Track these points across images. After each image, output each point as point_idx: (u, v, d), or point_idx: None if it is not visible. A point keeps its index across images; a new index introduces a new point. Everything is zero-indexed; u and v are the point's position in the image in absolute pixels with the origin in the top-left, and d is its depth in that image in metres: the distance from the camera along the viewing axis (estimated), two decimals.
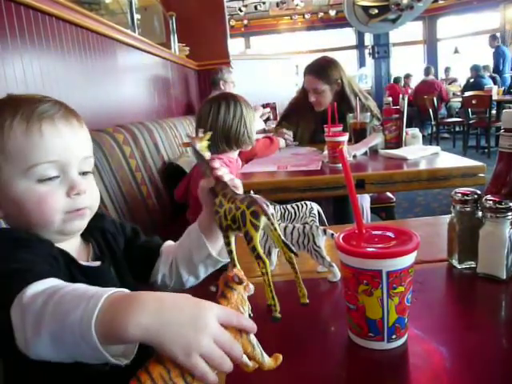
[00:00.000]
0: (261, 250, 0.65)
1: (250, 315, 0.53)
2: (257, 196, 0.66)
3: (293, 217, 0.96)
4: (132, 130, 2.11)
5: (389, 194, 2.73)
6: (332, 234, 0.79)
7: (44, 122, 0.65)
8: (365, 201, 2.53)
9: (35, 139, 0.64)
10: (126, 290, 0.50)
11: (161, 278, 0.83)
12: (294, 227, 0.83)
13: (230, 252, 0.71)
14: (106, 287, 0.70)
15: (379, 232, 0.62)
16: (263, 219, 0.63)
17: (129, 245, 0.83)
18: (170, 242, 0.88)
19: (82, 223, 0.70)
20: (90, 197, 0.70)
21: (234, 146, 1.74)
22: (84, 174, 0.70)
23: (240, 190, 0.74)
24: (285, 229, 0.83)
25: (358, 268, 0.57)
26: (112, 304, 0.46)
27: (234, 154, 1.80)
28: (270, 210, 0.65)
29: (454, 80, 9.95)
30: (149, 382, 0.44)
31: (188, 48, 4.21)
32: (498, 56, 8.74)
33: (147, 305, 0.45)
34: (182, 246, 0.83)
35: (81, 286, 0.51)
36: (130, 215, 1.73)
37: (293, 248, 0.65)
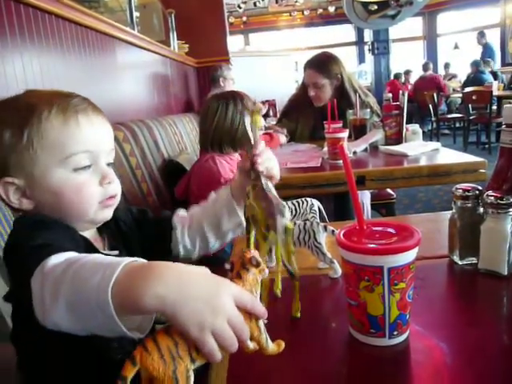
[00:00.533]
0: (264, 260, 0.64)
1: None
2: (279, 203, 0.65)
3: (293, 213, 0.96)
4: (132, 127, 2.10)
5: (389, 191, 2.73)
6: (333, 231, 0.79)
7: (80, 114, 0.67)
8: (365, 197, 2.52)
9: (72, 130, 0.66)
10: (144, 260, 0.49)
11: (182, 249, 0.84)
12: (294, 224, 0.82)
13: (248, 239, 0.70)
14: None
15: (380, 228, 0.62)
16: (272, 234, 0.63)
17: (139, 226, 0.84)
18: (182, 212, 0.88)
19: (110, 212, 0.73)
20: (117, 186, 0.73)
21: (238, 148, 1.73)
22: (109, 165, 0.73)
23: (274, 181, 0.73)
24: None
25: (359, 264, 0.57)
26: (129, 273, 0.46)
27: (233, 161, 1.79)
28: (287, 221, 0.64)
29: (454, 76, 9.93)
30: (155, 353, 0.43)
31: (187, 45, 4.20)
32: (486, 53, 8.76)
33: (166, 276, 0.45)
34: (209, 212, 0.83)
35: (100, 256, 0.52)
36: None
37: (292, 273, 0.65)
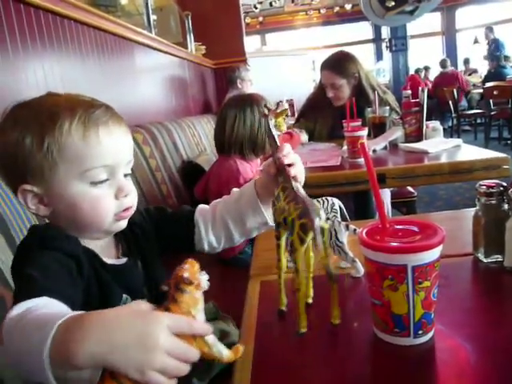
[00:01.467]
0: (301, 266, 0.63)
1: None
2: (313, 204, 0.62)
3: None
4: (151, 129, 2.12)
5: (409, 189, 2.70)
6: (354, 230, 0.78)
7: (101, 128, 0.66)
8: (385, 196, 2.50)
9: (92, 145, 0.65)
10: (79, 312, 0.49)
11: (207, 245, 0.84)
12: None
13: (277, 246, 0.69)
14: (131, 283, 0.71)
15: (403, 226, 0.61)
16: (311, 235, 0.61)
17: (158, 225, 0.83)
18: (204, 207, 0.86)
19: (124, 223, 0.73)
20: (134, 198, 0.73)
21: (259, 153, 1.73)
22: (126, 176, 0.72)
23: (299, 181, 0.72)
24: None
25: (382, 263, 0.57)
26: (63, 332, 0.46)
27: (258, 160, 1.78)
28: (323, 222, 0.61)
29: (474, 71, 9.77)
30: None
31: (204, 47, 4.23)
32: (495, 49, 8.59)
33: (91, 331, 0.45)
34: (233, 210, 0.81)
35: (46, 312, 0.51)
36: None
37: (333, 277, 0.62)
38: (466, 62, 10.08)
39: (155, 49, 2.83)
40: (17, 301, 0.55)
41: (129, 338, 0.45)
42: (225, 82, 4.21)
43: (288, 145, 0.73)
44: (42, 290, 0.55)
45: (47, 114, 0.65)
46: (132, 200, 0.72)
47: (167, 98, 3.08)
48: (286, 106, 3.97)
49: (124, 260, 0.75)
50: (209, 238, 0.83)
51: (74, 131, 0.65)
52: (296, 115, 3.24)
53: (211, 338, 0.49)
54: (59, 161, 0.65)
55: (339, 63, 2.46)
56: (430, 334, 0.60)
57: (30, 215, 0.99)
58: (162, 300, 0.78)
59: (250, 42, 7.62)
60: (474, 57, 10.11)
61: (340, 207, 0.97)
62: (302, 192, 0.67)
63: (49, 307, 0.53)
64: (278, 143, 0.73)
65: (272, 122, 0.73)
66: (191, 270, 0.48)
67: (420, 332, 0.58)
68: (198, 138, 2.75)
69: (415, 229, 0.60)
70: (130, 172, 0.73)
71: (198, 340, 0.48)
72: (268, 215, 0.79)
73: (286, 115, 0.77)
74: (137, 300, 0.51)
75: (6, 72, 1.36)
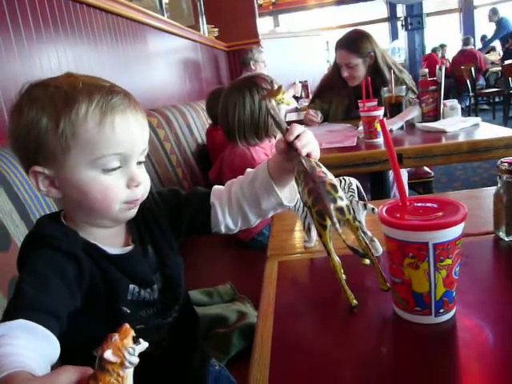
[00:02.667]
0: (331, 248, 0.63)
1: None
2: (325, 187, 0.61)
3: None
4: (165, 113, 2.12)
5: (426, 169, 2.66)
6: (373, 209, 0.77)
7: (117, 115, 0.65)
8: (402, 176, 2.47)
9: (107, 133, 0.64)
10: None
11: (224, 228, 0.82)
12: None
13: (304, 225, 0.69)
14: (138, 271, 0.72)
15: (423, 204, 0.60)
16: (329, 221, 0.60)
17: (173, 208, 0.81)
18: (219, 188, 0.84)
19: (134, 211, 0.72)
20: (145, 187, 0.72)
21: (264, 137, 1.71)
22: (139, 163, 0.71)
23: (314, 158, 0.70)
24: None
25: (403, 241, 0.56)
26: None
27: (265, 144, 1.76)
28: (342, 202, 0.60)
29: (493, 48, 9.53)
30: None
31: (217, 29, 4.19)
32: (500, 30, 8.34)
33: None
34: (247, 192, 0.79)
35: None
36: None
37: (361, 253, 0.62)
38: (483, 39, 9.83)
39: (168, 32, 2.81)
40: (6, 311, 0.56)
41: None
42: (238, 64, 4.18)
43: (297, 125, 0.70)
44: (27, 309, 0.55)
45: (64, 98, 0.64)
46: (143, 190, 0.71)
47: (181, 82, 3.07)
48: (300, 84, 3.93)
49: (129, 248, 0.74)
50: (226, 221, 0.81)
51: (90, 117, 0.63)
52: (310, 96, 3.21)
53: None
54: (72, 145, 0.64)
55: (354, 42, 2.41)
56: (452, 313, 0.59)
57: (50, 201, 1.00)
58: (175, 286, 0.78)
59: (263, 24, 7.52)
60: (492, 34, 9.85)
61: (357, 187, 0.96)
62: (319, 168, 0.66)
63: (8, 345, 0.49)
64: (283, 124, 0.71)
65: (273, 104, 0.71)
66: (118, 344, 0.42)
67: (441, 311, 0.58)
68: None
69: (436, 206, 0.59)
70: (143, 160, 0.72)
71: None
72: (283, 195, 0.77)
73: (283, 92, 0.73)
74: (64, 366, 0.44)
75: (22, 58, 1.36)
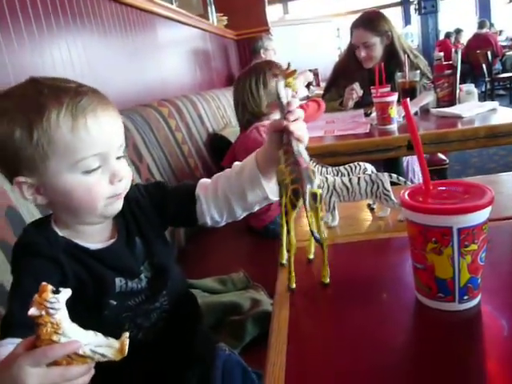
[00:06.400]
0: (292, 227, 0.66)
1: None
2: (308, 171, 0.63)
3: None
4: (176, 103, 2.11)
5: (441, 156, 2.62)
6: (398, 177, 0.87)
7: (89, 117, 0.65)
8: (415, 164, 2.43)
9: (82, 136, 0.64)
10: None
11: (210, 220, 0.82)
12: (359, 178, 0.86)
13: (280, 205, 0.69)
14: (123, 264, 0.74)
15: (447, 188, 0.58)
16: (301, 201, 0.62)
17: (159, 202, 0.82)
18: (205, 181, 0.84)
19: (120, 204, 0.72)
20: (127, 180, 0.72)
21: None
22: (119, 158, 0.71)
23: (303, 143, 0.70)
24: (350, 180, 0.86)
25: (426, 225, 0.53)
26: None
27: None
28: (318, 190, 0.62)
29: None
30: None
31: (226, 18, 4.15)
32: None
33: None
34: (234, 184, 0.80)
35: None
36: None
37: (319, 240, 0.64)
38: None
39: (177, 21, 2.79)
40: (2, 324, 0.61)
41: None
42: (248, 53, 4.15)
43: (299, 110, 0.71)
44: (14, 327, 0.60)
45: (33, 106, 0.64)
46: (126, 182, 0.71)
47: (191, 71, 3.05)
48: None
49: (110, 242, 0.75)
50: (211, 213, 0.81)
51: (62, 123, 0.63)
52: (321, 85, 3.16)
53: (87, 349, 0.49)
54: (50, 153, 0.64)
55: (372, 21, 2.37)
56: (476, 300, 0.57)
57: None
58: (164, 274, 0.79)
59: (272, 11, 7.44)
60: (509, 17, 9.64)
61: (372, 172, 0.95)
62: (304, 154, 0.67)
63: None
64: (285, 107, 0.71)
65: (282, 83, 0.71)
66: (37, 300, 0.47)
67: (465, 297, 0.56)
68: (222, 111, 2.72)
69: (461, 190, 0.56)
70: (122, 154, 0.72)
71: (75, 357, 0.49)
72: (268, 189, 0.77)
73: (295, 77, 0.73)
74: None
75: (33, 51, 1.37)
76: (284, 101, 0.70)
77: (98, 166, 0.67)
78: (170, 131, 1.88)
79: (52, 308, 0.47)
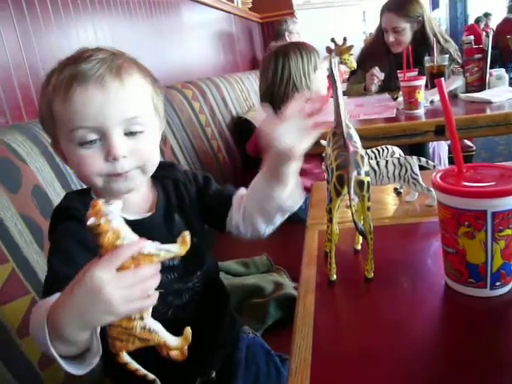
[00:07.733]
0: (336, 216, 0.63)
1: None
2: (355, 155, 0.59)
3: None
4: (200, 85, 2.10)
5: (467, 142, 2.56)
6: (427, 161, 0.85)
7: (90, 83, 0.63)
8: (442, 150, 2.39)
9: (76, 104, 0.63)
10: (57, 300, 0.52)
11: (235, 227, 0.80)
12: (387, 161, 0.84)
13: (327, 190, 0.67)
14: (156, 237, 0.72)
15: (481, 171, 0.56)
16: (346, 189, 0.58)
17: (201, 193, 0.82)
18: (242, 191, 0.83)
19: (129, 184, 0.69)
20: (137, 158, 0.68)
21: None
22: (133, 134, 0.67)
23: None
24: (377, 163, 0.83)
25: (458, 208, 0.52)
26: (50, 316, 0.51)
27: None
28: (365, 177, 0.58)
29: None
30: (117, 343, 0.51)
31: (251, 0, 4.10)
32: None
33: (62, 317, 0.50)
34: (251, 197, 0.78)
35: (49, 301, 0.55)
36: (202, 169, 1.75)
37: (363, 231, 0.61)
38: None
39: (202, 3, 2.77)
40: (43, 290, 0.63)
41: (86, 305, 0.49)
42: (272, 36, 4.09)
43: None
44: (60, 283, 0.58)
45: (50, 72, 0.67)
46: (131, 163, 0.67)
47: (215, 54, 3.04)
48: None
49: (148, 214, 0.74)
50: (236, 221, 0.79)
51: (58, 91, 0.64)
52: None
53: (152, 247, 0.50)
54: (54, 121, 0.66)
55: (403, 5, 2.31)
56: (509, 287, 0.56)
57: None
58: (199, 255, 0.78)
59: None
60: None
61: (400, 155, 0.93)
62: (355, 138, 0.63)
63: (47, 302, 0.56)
64: (339, 84, 0.68)
65: (336, 60, 0.68)
66: (93, 211, 0.48)
67: (498, 284, 0.54)
68: (246, 94, 2.70)
69: (496, 173, 0.55)
70: (139, 130, 0.68)
71: (142, 258, 0.49)
72: (281, 197, 0.72)
73: (351, 54, 0.70)
74: None
75: (59, 31, 1.38)
76: (337, 81, 0.66)
77: (95, 140, 0.65)
78: (193, 113, 1.87)
79: (109, 215, 0.48)
